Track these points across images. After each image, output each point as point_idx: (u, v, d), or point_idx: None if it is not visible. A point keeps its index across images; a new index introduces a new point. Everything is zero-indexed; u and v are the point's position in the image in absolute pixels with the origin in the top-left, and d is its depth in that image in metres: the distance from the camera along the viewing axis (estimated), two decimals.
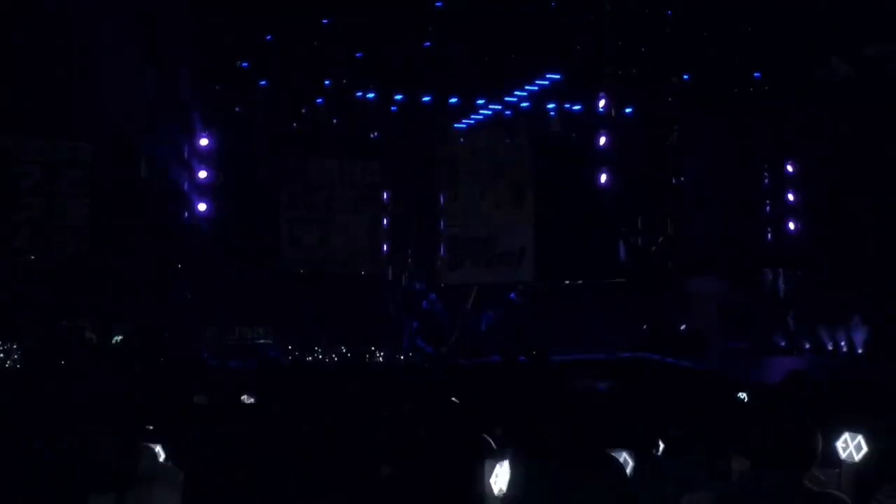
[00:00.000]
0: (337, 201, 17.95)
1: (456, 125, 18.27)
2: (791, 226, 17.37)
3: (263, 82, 16.14)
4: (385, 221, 18.52)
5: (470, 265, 17.88)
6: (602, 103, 16.09)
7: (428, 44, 15.48)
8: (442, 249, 18.29)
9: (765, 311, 16.44)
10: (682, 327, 15.57)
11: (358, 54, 15.67)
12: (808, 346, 15.76)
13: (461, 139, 18.40)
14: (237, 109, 16.63)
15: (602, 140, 16.15)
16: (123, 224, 15.03)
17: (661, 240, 16.98)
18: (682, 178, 17.44)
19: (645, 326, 15.67)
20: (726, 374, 12.72)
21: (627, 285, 16.25)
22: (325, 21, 14.70)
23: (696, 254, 16.65)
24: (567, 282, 17.14)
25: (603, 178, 16.21)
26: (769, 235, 17.69)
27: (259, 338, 15.57)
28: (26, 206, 14.47)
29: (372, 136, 18.19)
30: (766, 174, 17.71)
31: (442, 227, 18.42)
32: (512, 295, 16.09)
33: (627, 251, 17.10)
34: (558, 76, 16.37)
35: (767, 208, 17.75)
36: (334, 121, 17.54)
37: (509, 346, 14.72)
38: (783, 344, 15.94)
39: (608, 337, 15.12)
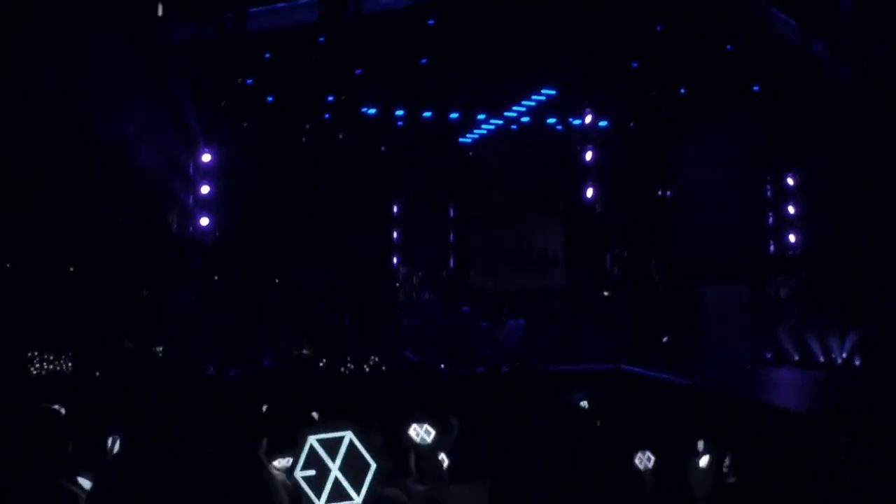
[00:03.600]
0: (348, 210, 18.15)
1: (464, 137, 18.66)
2: (781, 236, 17.49)
3: (269, 98, 16.62)
4: (396, 232, 18.80)
5: (502, 271, 18.22)
6: (588, 119, 16.30)
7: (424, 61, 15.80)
8: (472, 256, 18.55)
9: (759, 321, 16.52)
10: (665, 339, 15.73)
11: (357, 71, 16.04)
12: (797, 357, 15.84)
13: (484, 147, 18.71)
14: (245, 125, 17.08)
15: (589, 154, 16.40)
16: (132, 232, 15.51)
17: (650, 249, 17.18)
18: (674, 189, 17.63)
19: (631, 336, 15.86)
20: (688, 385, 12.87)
21: (615, 295, 16.48)
22: (321, 39, 15.03)
23: (690, 264, 16.82)
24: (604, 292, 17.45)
25: (590, 191, 16.44)
26: (762, 246, 17.84)
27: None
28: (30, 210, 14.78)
29: (383, 148, 18.52)
30: (759, 184, 17.87)
31: (468, 234, 18.71)
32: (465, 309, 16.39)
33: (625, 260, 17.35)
34: (554, 91, 16.66)
35: (764, 219, 17.90)
36: (340, 136, 17.91)
37: (493, 356, 15.01)
38: (770, 356, 16.01)
39: (599, 346, 15.37)
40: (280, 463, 5.54)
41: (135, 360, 14.28)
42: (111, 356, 14.27)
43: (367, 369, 14.74)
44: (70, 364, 14.26)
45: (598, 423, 8.70)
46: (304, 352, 15.42)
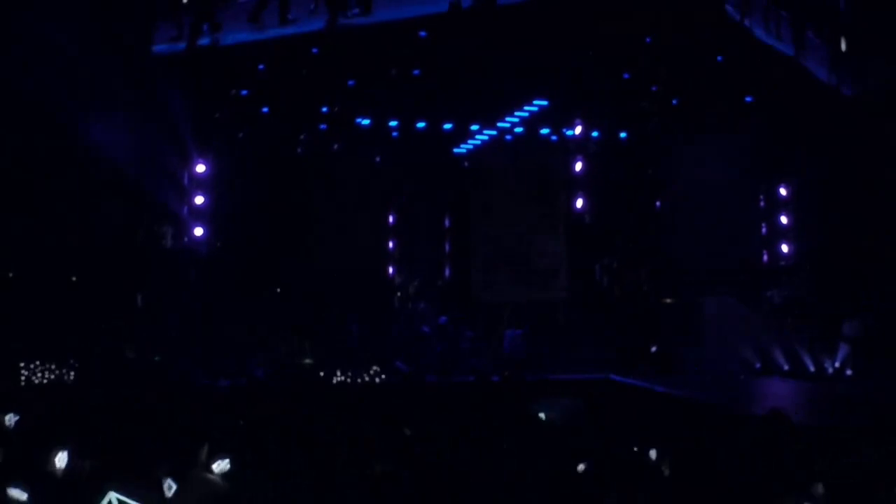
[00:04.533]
0: (343, 219, 18.13)
1: (458, 148, 18.72)
2: (774, 246, 17.59)
3: (264, 109, 16.64)
4: (392, 242, 18.84)
5: (500, 281, 18.27)
6: (579, 129, 16.38)
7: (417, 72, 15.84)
8: (471, 265, 18.63)
9: (752, 331, 16.57)
10: (658, 348, 15.76)
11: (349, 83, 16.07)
12: (787, 367, 15.87)
13: (479, 157, 18.75)
14: (240, 136, 17.12)
15: (579, 165, 16.48)
16: (129, 241, 15.57)
17: (638, 259, 17.26)
18: (668, 199, 17.74)
19: (619, 346, 15.91)
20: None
21: (611, 304, 16.54)
22: (314, 50, 15.06)
23: (684, 274, 16.92)
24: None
25: (585, 202, 16.52)
26: (756, 255, 17.95)
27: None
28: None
29: (378, 158, 18.56)
30: (752, 194, 18.01)
31: (466, 243, 18.77)
32: (442, 319, 16.41)
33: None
34: (546, 102, 16.74)
35: (757, 229, 18.02)
36: (335, 146, 17.95)
37: (486, 366, 15.02)
38: (759, 366, 16.06)
39: (589, 355, 15.41)
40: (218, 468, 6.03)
41: (132, 367, 14.29)
42: (108, 362, 14.30)
43: (367, 379, 14.72)
44: (69, 370, 14.28)
45: (586, 431, 8.77)
46: (307, 361, 15.36)
